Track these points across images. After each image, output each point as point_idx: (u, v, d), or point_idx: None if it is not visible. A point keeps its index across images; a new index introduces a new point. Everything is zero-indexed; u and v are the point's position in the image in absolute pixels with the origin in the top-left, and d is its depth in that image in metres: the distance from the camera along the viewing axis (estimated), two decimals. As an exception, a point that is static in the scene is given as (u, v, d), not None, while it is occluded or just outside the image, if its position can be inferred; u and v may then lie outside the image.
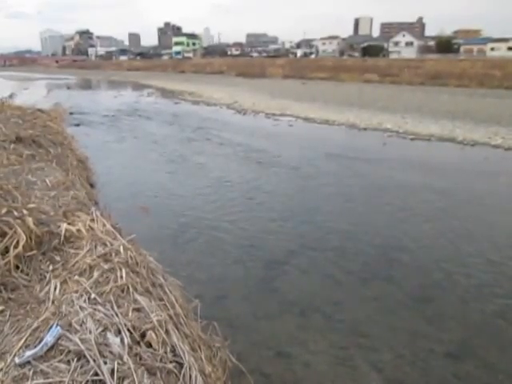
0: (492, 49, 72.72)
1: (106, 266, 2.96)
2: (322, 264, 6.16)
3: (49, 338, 2.14)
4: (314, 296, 5.32)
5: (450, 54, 69.63)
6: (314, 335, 4.55)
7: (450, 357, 4.25)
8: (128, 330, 2.35)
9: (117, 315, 2.43)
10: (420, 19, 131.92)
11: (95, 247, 3.23)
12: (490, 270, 5.99)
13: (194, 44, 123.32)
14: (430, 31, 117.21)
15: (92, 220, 3.75)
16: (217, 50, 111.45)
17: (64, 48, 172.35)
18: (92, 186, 7.87)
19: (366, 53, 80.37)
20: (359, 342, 4.46)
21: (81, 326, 2.29)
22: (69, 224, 3.52)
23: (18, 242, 3.01)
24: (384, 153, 13.46)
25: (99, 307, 2.48)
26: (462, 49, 78.50)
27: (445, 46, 78.94)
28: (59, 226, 3.42)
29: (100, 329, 2.29)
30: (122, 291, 2.75)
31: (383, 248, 6.69)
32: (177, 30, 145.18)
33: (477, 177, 10.84)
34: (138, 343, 2.33)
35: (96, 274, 2.86)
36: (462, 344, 4.46)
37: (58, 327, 2.22)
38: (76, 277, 2.84)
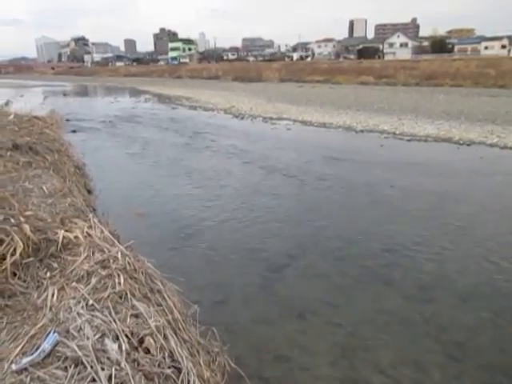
0: (486, 47, 72.92)
1: (103, 273, 2.96)
2: (321, 267, 6.16)
3: (46, 345, 2.14)
4: (312, 299, 5.31)
5: (445, 54, 69.94)
6: (313, 338, 4.54)
7: (448, 357, 4.26)
8: (126, 335, 2.35)
9: (115, 321, 2.43)
10: (414, 20, 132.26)
11: (93, 254, 3.23)
12: (489, 270, 6.01)
13: (189, 49, 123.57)
14: (424, 32, 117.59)
15: (90, 227, 3.75)
16: (213, 55, 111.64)
17: (60, 55, 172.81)
18: (89, 192, 7.86)
19: (361, 55, 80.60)
20: (358, 344, 4.46)
21: (78, 332, 2.28)
22: (66, 231, 3.52)
23: (15, 250, 3.01)
24: (381, 154, 13.50)
25: (97, 313, 2.48)
26: (456, 48, 78.78)
27: (439, 45, 79.28)
28: (56, 233, 3.42)
29: (98, 335, 2.29)
30: (120, 297, 2.75)
31: (382, 251, 6.68)
32: (172, 36, 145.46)
33: (473, 176, 10.88)
34: (136, 349, 2.33)
35: (94, 280, 2.86)
36: (460, 344, 4.46)
37: (56, 334, 2.22)
38: (73, 283, 2.83)
